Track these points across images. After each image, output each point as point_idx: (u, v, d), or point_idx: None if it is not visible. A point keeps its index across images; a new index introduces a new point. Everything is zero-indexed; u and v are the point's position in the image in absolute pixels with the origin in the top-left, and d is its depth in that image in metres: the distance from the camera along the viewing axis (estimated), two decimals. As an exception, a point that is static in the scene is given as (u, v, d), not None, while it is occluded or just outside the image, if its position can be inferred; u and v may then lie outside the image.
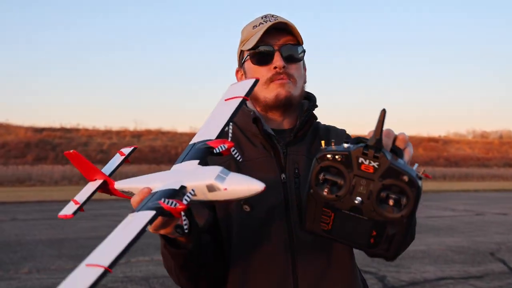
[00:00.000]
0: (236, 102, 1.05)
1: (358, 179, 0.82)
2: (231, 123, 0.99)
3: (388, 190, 0.80)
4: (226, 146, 0.91)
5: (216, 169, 0.84)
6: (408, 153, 0.90)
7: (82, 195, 1.09)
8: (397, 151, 0.87)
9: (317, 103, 1.39)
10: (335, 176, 0.83)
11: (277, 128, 1.30)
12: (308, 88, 1.41)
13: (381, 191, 0.80)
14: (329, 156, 0.83)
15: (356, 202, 0.82)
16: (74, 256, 6.79)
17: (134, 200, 0.90)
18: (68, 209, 1.08)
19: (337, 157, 0.82)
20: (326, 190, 0.84)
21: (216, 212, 1.22)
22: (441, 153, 43.56)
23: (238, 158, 0.93)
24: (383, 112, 0.80)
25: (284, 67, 1.23)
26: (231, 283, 1.20)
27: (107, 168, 1.16)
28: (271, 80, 1.24)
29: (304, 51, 1.32)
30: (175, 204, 0.78)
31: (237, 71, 1.40)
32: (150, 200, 0.84)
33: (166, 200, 0.79)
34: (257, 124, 1.25)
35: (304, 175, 1.21)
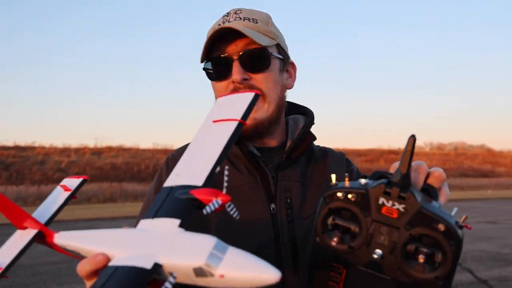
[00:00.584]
0: (230, 127, 0.77)
1: (378, 225, 0.65)
2: (219, 166, 0.73)
3: (418, 242, 0.63)
4: (220, 202, 0.66)
5: (209, 242, 0.60)
6: (444, 195, 0.73)
7: (7, 252, 0.79)
8: (430, 192, 0.71)
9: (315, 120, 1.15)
10: (348, 222, 0.67)
11: (262, 147, 1.09)
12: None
13: (409, 243, 0.64)
14: (340, 194, 0.66)
15: (375, 256, 0.65)
16: (29, 284, 6.26)
17: (83, 269, 0.65)
18: None
19: (350, 196, 0.66)
20: (336, 239, 0.67)
21: None
22: (401, 165, 45.24)
23: (235, 216, 0.68)
24: (412, 139, 0.63)
25: (245, 79, 1.00)
26: None
27: (43, 211, 0.85)
28: None
29: (275, 53, 1.07)
30: None
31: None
32: (108, 283, 0.58)
33: None
34: (239, 144, 1.03)
35: (299, 207, 1.02)
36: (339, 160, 1.15)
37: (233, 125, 0.77)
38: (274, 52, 1.05)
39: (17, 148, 30.39)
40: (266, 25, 1.05)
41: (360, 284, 0.68)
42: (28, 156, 28.33)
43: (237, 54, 1.00)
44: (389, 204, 0.64)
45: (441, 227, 0.61)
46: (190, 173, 0.74)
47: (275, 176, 1.04)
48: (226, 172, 0.68)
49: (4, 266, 0.77)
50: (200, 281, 0.59)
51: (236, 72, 1.00)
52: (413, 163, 0.69)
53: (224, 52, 1.01)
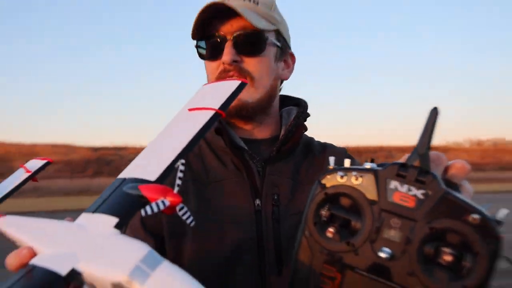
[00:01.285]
0: (204, 117, 0.66)
1: (387, 216, 0.47)
2: (180, 163, 0.58)
3: (441, 239, 0.46)
4: (167, 202, 0.53)
5: (138, 252, 0.47)
6: (467, 192, 0.53)
7: None
8: (450, 187, 0.50)
9: (313, 115, 1.06)
10: (347, 213, 0.50)
11: (250, 138, 1.01)
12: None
13: (428, 240, 0.46)
14: (340, 176, 0.50)
15: (383, 256, 0.47)
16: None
17: (9, 263, 0.54)
18: None
19: (353, 178, 0.49)
20: (331, 233, 0.50)
21: (165, 243, 0.90)
22: (442, 160, 47.59)
23: (188, 222, 0.57)
24: (435, 112, 0.48)
25: (235, 61, 0.92)
26: None
27: None
28: (219, 79, 0.93)
29: (274, 39, 0.98)
30: None
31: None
32: (14, 286, 0.47)
33: None
34: (223, 135, 0.94)
35: (287, 205, 0.92)
36: (339, 156, 0.95)
37: (207, 115, 0.66)
38: (271, 37, 0.97)
39: (115, 148, 36.97)
40: (268, 9, 0.97)
41: None
42: (123, 155, 34.33)
43: (231, 34, 0.93)
44: (404, 189, 0.47)
45: (475, 219, 0.44)
46: (147, 165, 0.63)
47: (261, 171, 0.95)
48: (181, 167, 0.57)
49: None
50: None
51: (227, 53, 0.92)
52: (430, 153, 0.50)
53: (219, 31, 0.94)
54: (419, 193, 0.47)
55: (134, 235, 0.84)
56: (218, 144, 0.97)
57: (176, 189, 0.56)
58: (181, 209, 0.56)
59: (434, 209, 0.46)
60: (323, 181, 0.52)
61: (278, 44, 0.99)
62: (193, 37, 0.98)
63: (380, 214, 0.48)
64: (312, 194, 0.52)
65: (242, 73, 0.94)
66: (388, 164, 0.50)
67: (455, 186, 0.52)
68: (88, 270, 0.48)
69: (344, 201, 0.51)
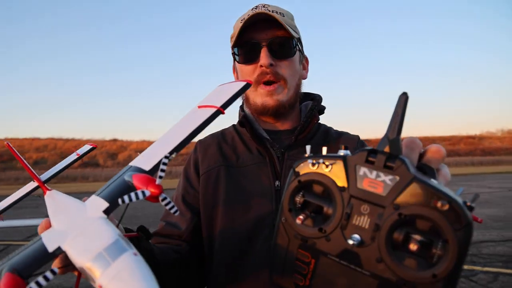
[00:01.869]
0: (206, 114, 0.74)
1: (357, 203, 0.49)
2: (172, 155, 0.64)
3: (410, 226, 0.46)
4: (148, 193, 0.55)
5: (106, 240, 0.50)
6: (444, 176, 0.54)
7: (11, 198, 0.94)
8: (426, 171, 0.51)
9: (328, 108, 1.21)
10: (319, 199, 0.52)
11: (273, 130, 1.18)
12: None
13: (397, 227, 0.46)
14: (311, 164, 0.52)
15: (351, 242, 0.48)
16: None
17: (39, 229, 0.66)
18: None
19: (324, 166, 0.51)
20: (300, 220, 0.52)
21: (201, 217, 1.11)
22: (478, 146, 52.86)
23: (172, 212, 0.59)
24: (404, 98, 0.47)
25: (271, 65, 1.06)
26: None
27: (51, 171, 0.96)
28: (257, 82, 1.09)
29: (298, 45, 1.13)
30: None
31: (233, 71, 1.24)
32: (23, 251, 0.55)
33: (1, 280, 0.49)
34: (246, 128, 1.13)
35: None
36: (352, 142, 1.17)
37: (209, 113, 0.73)
38: (297, 44, 1.12)
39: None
40: (291, 20, 1.13)
41: (332, 278, 0.50)
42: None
43: (266, 40, 1.06)
44: (373, 175, 0.48)
45: (443, 205, 0.43)
46: (149, 155, 0.69)
47: (280, 156, 1.09)
48: (164, 161, 0.58)
49: (6, 205, 0.92)
50: (91, 282, 0.50)
51: (264, 57, 1.05)
52: (405, 138, 0.53)
53: (254, 38, 1.07)
54: (387, 179, 0.46)
55: (176, 202, 1.07)
56: (246, 135, 1.15)
57: (158, 181, 0.57)
58: (163, 199, 0.56)
59: (402, 195, 0.45)
60: (297, 169, 0.52)
61: (301, 49, 1.15)
62: (235, 44, 1.10)
63: (350, 200, 0.48)
64: (288, 182, 0.53)
65: (277, 75, 1.07)
66: (359, 150, 0.49)
67: (431, 170, 0.51)
68: (68, 250, 0.52)
69: (317, 188, 0.51)
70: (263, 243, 1.01)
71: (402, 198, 0.45)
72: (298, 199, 0.53)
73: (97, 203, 0.61)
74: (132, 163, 0.71)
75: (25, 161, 0.92)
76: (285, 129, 1.19)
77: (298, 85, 1.16)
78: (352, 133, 1.23)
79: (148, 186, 0.58)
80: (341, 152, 0.52)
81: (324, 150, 0.54)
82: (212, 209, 1.08)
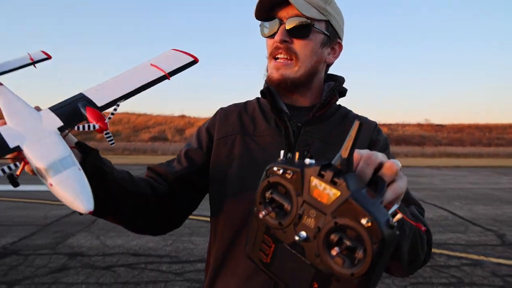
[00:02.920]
0: (155, 75, 0.88)
1: (307, 207, 0.60)
2: (122, 101, 0.82)
3: (342, 232, 0.57)
4: (97, 126, 0.76)
5: (59, 153, 0.68)
6: (394, 190, 0.64)
7: None
8: (378, 183, 0.64)
9: (350, 93, 1.22)
10: (282, 198, 0.63)
11: (293, 105, 1.19)
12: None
13: (332, 231, 0.57)
14: (277, 169, 0.63)
15: (297, 238, 0.60)
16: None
17: None
18: None
19: (287, 174, 0.62)
20: (264, 212, 0.65)
21: (210, 164, 1.14)
22: None
23: (110, 143, 0.82)
24: (358, 124, 0.58)
25: (285, 41, 1.09)
26: (214, 258, 1.11)
27: (1, 66, 0.95)
28: (271, 55, 1.12)
29: (326, 28, 1.13)
30: None
31: None
32: None
33: None
34: (267, 99, 1.16)
35: (314, 159, 0.93)
36: (368, 128, 1.19)
37: (157, 75, 0.87)
38: (320, 26, 1.12)
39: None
40: (324, 3, 1.12)
41: (285, 261, 0.64)
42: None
43: (286, 18, 1.10)
44: (321, 187, 0.58)
45: (365, 222, 0.54)
46: (102, 92, 0.83)
47: (295, 130, 1.11)
48: (115, 107, 0.81)
49: None
50: (40, 178, 0.68)
51: (279, 34, 1.09)
52: (364, 152, 0.66)
53: (277, 15, 1.11)
54: (331, 192, 0.57)
55: (178, 157, 1.17)
56: (267, 106, 1.18)
57: (107, 120, 0.77)
58: (106, 133, 0.78)
59: (340, 208, 0.56)
60: (269, 171, 0.64)
61: (326, 32, 1.13)
62: (257, 18, 1.14)
63: (303, 204, 0.60)
64: (261, 179, 0.65)
65: (289, 52, 1.10)
66: (316, 164, 0.60)
67: (382, 184, 0.64)
68: (26, 151, 0.68)
69: (281, 189, 0.63)
70: None
71: (339, 210, 0.56)
72: (268, 194, 0.65)
73: (52, 119, 0.76)
74: (84, 93, 0.84)
75: None
76: (305, 106, 1.20)
77: (313, 67, 1.14)
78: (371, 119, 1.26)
79: (98, 122, 0.76)
80: (307, 161, 0.62)
81: (282, 153, 0.68)
82: (223, 174, 1.11)
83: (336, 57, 1.21)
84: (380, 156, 0.67)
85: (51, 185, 0.65)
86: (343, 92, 1.22)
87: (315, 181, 0.59)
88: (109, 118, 0.79)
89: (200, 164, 1.15)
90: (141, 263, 4.40)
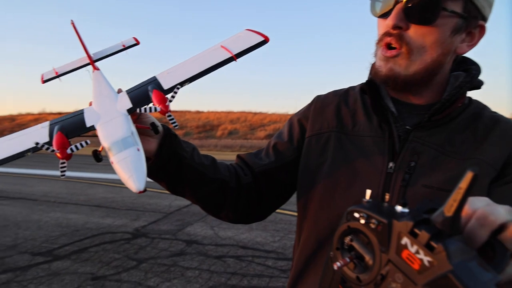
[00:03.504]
0: (222, 57, 0.85)
1: (393, 269, 0.49)
2: (187, 84, 0.82)
3: None
4: (158, 109, 0.79)
5: (121, 134, 0.74)
6: None
7: (64, 67, 1.11)
8: (496, 250, 0.50)
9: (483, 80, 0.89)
10: (363, 248, 0.53)
11: (403, 100, 0.93)
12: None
13: None
14: (359, 215, 0.53)
15: None
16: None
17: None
18: (47, 74, 1.10)
19: (371, 223, 0.51)
20: (347, 263, 0.55)
21: (300, 163, 1.00)
22: None
23: (173, 125, 0.84)
24: (472, 174, 0.43)
25: (399, 27, 0.82)
26: (297, 261, 0.99)
27: (100, 53, 1.10)
28: (381, 40, 0.86)
29: (463, 9, 0.82)
30: (53, 150, 0.74)
31: None
32: (63, 121, 0.81)
33: (54, 136, 0.76)
34: (368, 95, 0.93)
35: (422, 175, 0.84)
36: (510, 134, 0.86)
37: (224, 57, 0.84)
38: (454, 7, 0.81)
39: None
40: None
41: None
42: None
43: None
44: (413, 249, 0.46)
45: None
46: (171, 75, 0.86)
47: (402, 135, 0.89)
48: (175, 91, 0.81)
49: (60, 72, 1.11)
50: (106, 154, 0.76)
51: (393, 17, 0.82)
52: (479, 206, 0.52)
53: None
54: (425, 259, 0.44)
55: (267, 148, 1.07)
56: (368, 101, 0.95)
57: (168, 103, 0.79)
58: (169, 116, 0.80)
59: (435, 282, 0.43)
60: (350, 215, 0.54)
61: (463, 13, 0.81)
62: None
63: (388, 263, 0.48)
64: (341, 221, 0.55)
65: (401, 41, 0.82)
66: (408, 217, 0.47)
67: (503, 250, 0.49)
68: (98, 130, 0.76)
69: (363, 238, 0.52)
70: None
71: (434, 285, 0.44)
72: (347, 240, 0.55)
73: (125, 101, 0.83)
74: (157, 76, 0.89)
75: (82, 40, 1.09)
76: (417, 104, 0.92)
77: (437, 62, 0.85)
78: None
79: (160, 104, 0.79)
80: (398, 209, 0.50)
81: (368, 193, 0.56)
82: (312, 178, 0.96)
83: (472, 46, 0.89)
84: (502, 214, 0.51)
85: (112, 162, 0.72)
86: (477, 86, 0.90)
87: (405, 240, 0.47)
88: (170, 101, 0.81)
89: (288, 160, 1.02)
90: (248, 256, 4.61)
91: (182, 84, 0.84)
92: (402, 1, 0.81)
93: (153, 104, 0.81)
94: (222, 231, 5.64)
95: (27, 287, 3.70)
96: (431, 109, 0.87)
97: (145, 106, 0.80)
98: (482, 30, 0.88)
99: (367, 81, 0.95)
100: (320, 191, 0.94)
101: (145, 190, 0.68)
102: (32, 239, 5.13)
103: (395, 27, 0.83)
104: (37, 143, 0.74)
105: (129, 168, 0.69)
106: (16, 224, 5.88)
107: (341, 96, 1.04)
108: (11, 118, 42.33)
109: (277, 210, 1.27)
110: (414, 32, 0.82)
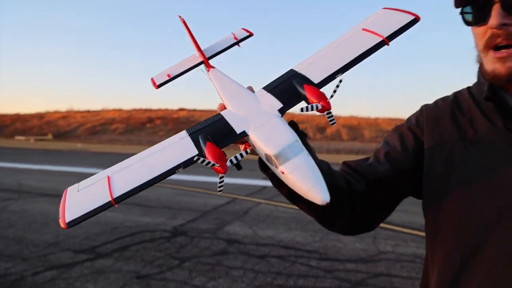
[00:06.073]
0: (371, 41, 0.76)
1: None
2: (340, 74, 0.73)
3: None
4: (320, 106, 0.68)
5: (287, 138, 0.65)
6: None
7: (176, 69, 1.03)
8: None
9: None
10: None
11: None
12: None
13: None
14: None
15: None
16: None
17: (217, 109, 0.82)
18: (159, 78, 1.02)
19: None
20: None
21: (423, 176, 0.94)
22: None
23: (331, 123, 0.73)
24: None
25: (504, 25, 0.78)
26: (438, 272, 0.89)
27: (211, 48, 1.02)
28: (488, 46, 0.83)
29: None
30: (213, 164, 0.65)
31: None
32: (204, 129, 0.73)
33: (205, 147, 0.67)
34: (492, 102, 0.88)
35: None
36: None
37: (375, 41, 0.75)
38: None
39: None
40: None
41: None
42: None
43: None
44: None
45: None
46: (316, 67, 0.76)
47: None
48: (338, 84, 0.70)
49: (172, 75, 1.02)
50: (268, 164, 0.68)
51: (495, 16, 0.78)
52: None
53: None
54: None
55: (377, 157, 1.01)
56: (487, 105, 0.89)
57: (329, 98, 0.69)
58: (328, 113, 0.70)
59: None
60: None
61: None
62: (457, 5, 0.86)
63: None
64: None
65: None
66: None
67: None
68: (253, 136, 0.68)
69: None
70: (495, 254, 0.80)
71: None
72: None
73: (271, 100, 0.74)
74: (295, 69, 0.79)
75: (193, 35, 1.02)
76: None
77: None
78: None
79: (321, 101, 0.69)
80: None
81: None
82: (440, 191, 0.91)
83: None
84: None
85: (283, 173, 0.63)
86: None
87: None
88: (331, 96, 0.71)
89: (404, 168, 0.98)
90: (291, 256, 4.52)
91: (333, 76, 0.75)
92: (496, 2, 0.80)
93: (310, 102, 0.71)
94: (261, 231, 5.57)
95: (73, 284, 3.70)
96: None
97: (306, 105, 0.70)
98: None
99: (489, 86, 0.89)
100: (453, 209, 0.88)
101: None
102: (73, 236, 5.17)
103: (500, 26, 0.80)
104: (197, 157, 0.65)
105: (308, 177, 0.61)
106: (56, 221, 5.90)
107: (452, 103, 0.99)
108: (40, 116, 43.56)
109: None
110: None
